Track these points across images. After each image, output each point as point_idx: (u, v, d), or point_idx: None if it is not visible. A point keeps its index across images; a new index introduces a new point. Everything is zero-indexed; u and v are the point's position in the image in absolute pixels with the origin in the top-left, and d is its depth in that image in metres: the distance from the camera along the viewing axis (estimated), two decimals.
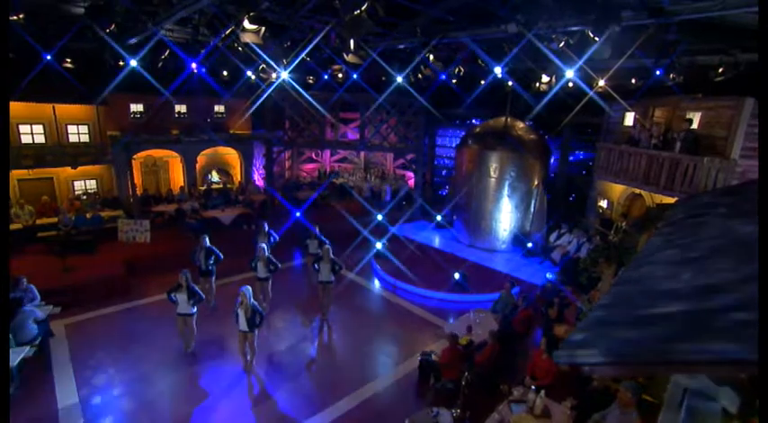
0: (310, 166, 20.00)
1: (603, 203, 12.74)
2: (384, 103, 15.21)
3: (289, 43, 11.57)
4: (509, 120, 13.54)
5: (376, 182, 17.57)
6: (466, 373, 6.53)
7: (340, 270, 8.83)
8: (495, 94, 15.01)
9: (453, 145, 17.89)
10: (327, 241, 9.68)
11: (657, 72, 8.81)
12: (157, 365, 7.14)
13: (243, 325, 6.80)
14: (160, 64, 12.66)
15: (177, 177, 14.82)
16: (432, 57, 10.53)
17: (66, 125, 12.30)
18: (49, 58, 10.40)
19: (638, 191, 11.09)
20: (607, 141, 12.38)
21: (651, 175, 9.83)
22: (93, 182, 13.01)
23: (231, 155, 16.16)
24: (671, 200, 8.90)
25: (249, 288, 6.86)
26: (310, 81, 16.45)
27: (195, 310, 7.37)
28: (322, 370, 7.36)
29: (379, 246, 12.33)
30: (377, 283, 11.31)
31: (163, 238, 11.96)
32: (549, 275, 10.70)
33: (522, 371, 7.30)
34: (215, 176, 16.01)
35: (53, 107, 11.76)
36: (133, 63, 11.61)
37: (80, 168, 12.38)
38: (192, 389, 6.68)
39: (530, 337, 8.35)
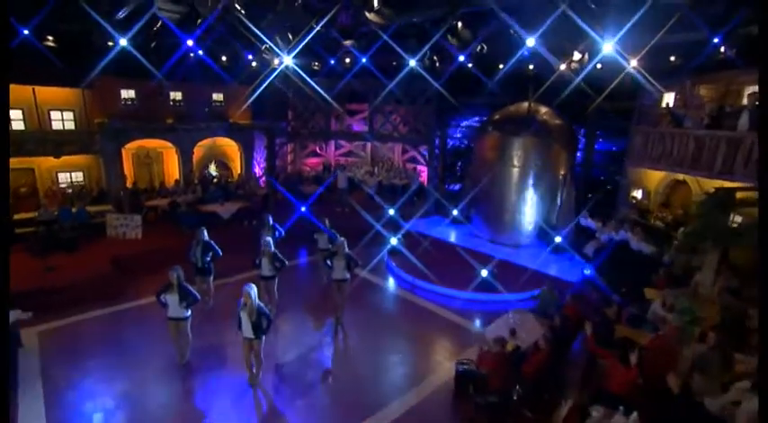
0: (314, 160, 18.92)
1: (637, 194, 11.68)
2: (395, 90, 14.15)
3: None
4: (532, 104, 12.50)
5: (384, 175, 16.48)
6: (517, 386, 5.47)
7: (356, 267, 7.74)
8: (513, 82, 13.88)
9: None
10: (337, 236, 8.60)
11: (716, 39, 7.78)
12: (146, 380, 6.03)
13: (247, 331, 5.71)
14: (153, 44, 11.60)
15: (172, 170, 13.71)
16: (450, 36, 9.48)
17: (48, 111, 11.18)
18: (26, 32, 9.32)
19: (681, 177, 10.04)
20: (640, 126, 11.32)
21: (702, 158, 8.76)
22: (80, 174, 11.89)
23: (230, 146, 15.07)
24: (731, 184, 7.81)
25: (254, 286, 5.76)
26: (316, 67, 15.40)
27: (189, 313, 6.26)
28: (340, 383, 6.26)
29: (394, 241, 11.25)
30: (392, 281, 10.23)
31: (156, 235, 10.85)
32: (586, 271, 9.65)
33: (576, 383, 6.26)
34: (213, 170, 14.91)
35: (33, 90, 10.63)
36: (123, 42, 10.56)
37: (65, 159, 11.26)
38: (188, 407, 5.58)
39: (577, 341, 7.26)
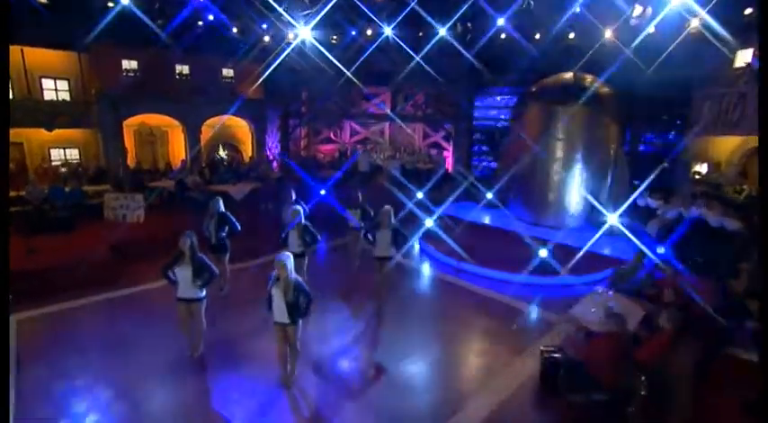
0: (328, 147, 17.68)
1: (702, 168, 10.37)
2: (421, 66, 12.88)
3: None
4: (576, 74, 11.25)
5: (408, 159, 15.23)
6: (643, 378, 4.13)
7: (404, 243, 6.41)
8: (549, 57, 12.52)
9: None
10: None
11: None
12: (149, 378, 4.72)
13: (280, 313, 4.38)
14: (157, 4, 10.42)
15: (178, 152, 12.48)
16: None
17: (39, 78, 9.96)
18: None
19: None
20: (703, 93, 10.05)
21: None
22: (75, 150, 10.64)
23: (241, 128, 13.84)
24: None
25: (289, 256, 4.46)
26: (334, 41, 14.20)
27: (204, 293, 4.96)
28: (395, 383, 4.93)
29: (429, 223, 9.96)
30: (432, 266, 8.96)
31: (160, 218, 9.61)
32: (660, 250, 8.35)
33: (688, 376, 4.92)
34: (222, 153, 13.66)
35: (22, 52, 9.38)
36: (125, 0, 9.42)
37: (59, 134, 10.03)
38: (202, 412, 4.26)
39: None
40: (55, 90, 10.19)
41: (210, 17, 11.22)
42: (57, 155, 10.47)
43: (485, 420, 4.32)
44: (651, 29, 10.69)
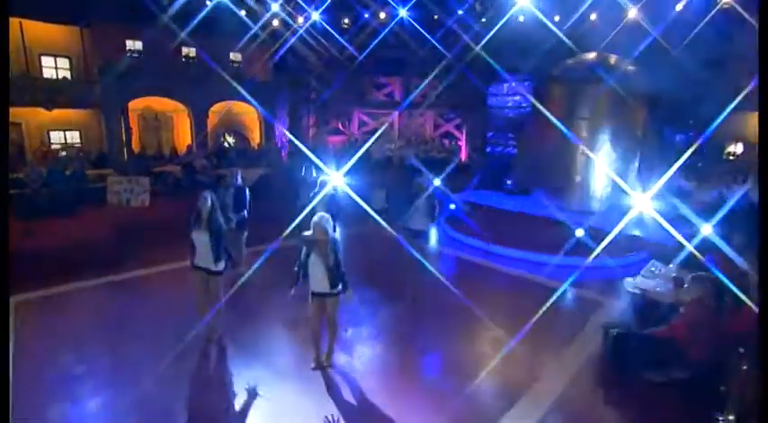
0: (336, 138, 17.19)
1: (736, 148, 9.90)
2: (438, 45, 12.41)
3: None
4: (600, 54, 10.87)
5: (421, 149, 14.74)
6: (741, 350, 3.60)
7: (439, 214, 5.87)
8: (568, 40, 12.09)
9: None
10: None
11: None
12: (160, 365, 4.13)
13: (320, 282, 3.80)
14: None
15: (183, 138, 11.92)
16: None
17: (39, 55, 9.40)
18: None
19: None
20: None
21: None
22: (76, 134, 10.05)
23: (248, 114, 13.31)
24: None
25: (329, 218, 3.91)
26: (346, 25, 13.74)
27: (223, 265, 4.38)
28: (449, 366, 4.43)
29: (452, 207, 9.48)
30: (456, 248, 8.47)
31: (166, 203, 9.05)
32: (705, 231, 7.86)
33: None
34: (230, 140, 13.12)
35: (20, 25, 8.81)
36: None
37: (59, 115, 9.45)
38: (224, 406, 3.69)
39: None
40: (55, 68, 9.64)
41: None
42: (57, 138, 9.89)
43: (556, 401, 3.78)
44: (679, 6, 10.33)
